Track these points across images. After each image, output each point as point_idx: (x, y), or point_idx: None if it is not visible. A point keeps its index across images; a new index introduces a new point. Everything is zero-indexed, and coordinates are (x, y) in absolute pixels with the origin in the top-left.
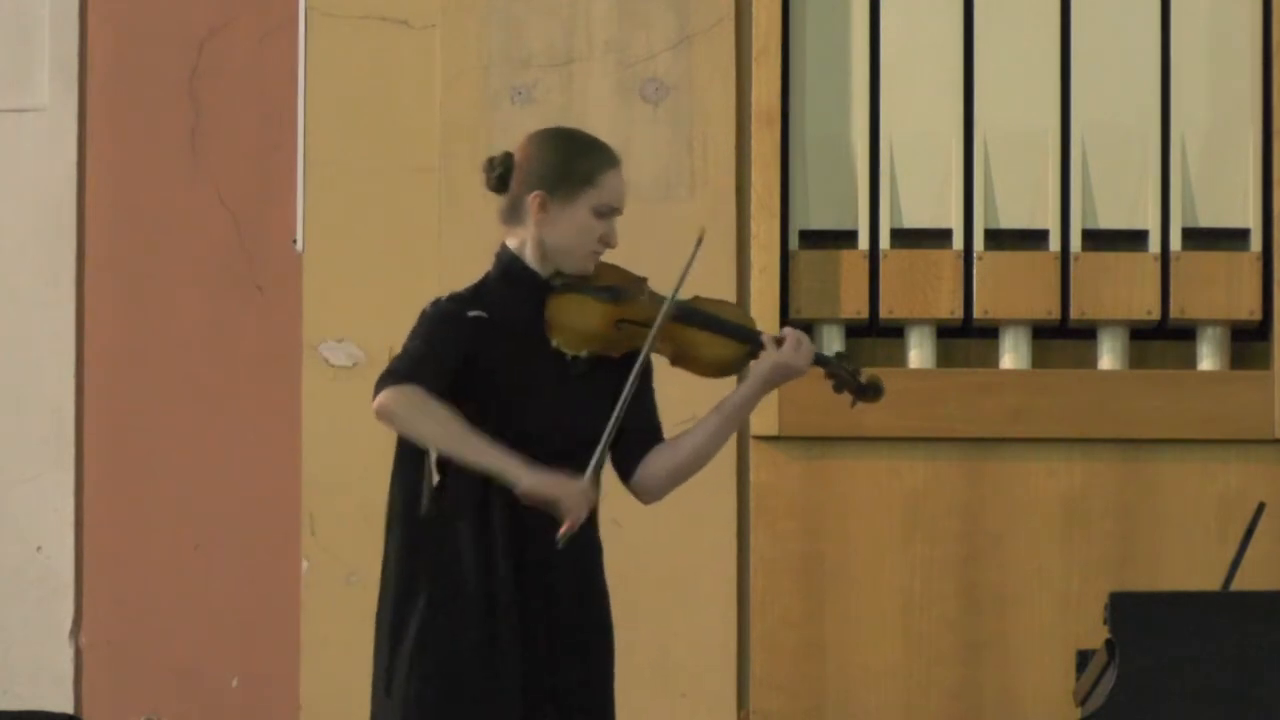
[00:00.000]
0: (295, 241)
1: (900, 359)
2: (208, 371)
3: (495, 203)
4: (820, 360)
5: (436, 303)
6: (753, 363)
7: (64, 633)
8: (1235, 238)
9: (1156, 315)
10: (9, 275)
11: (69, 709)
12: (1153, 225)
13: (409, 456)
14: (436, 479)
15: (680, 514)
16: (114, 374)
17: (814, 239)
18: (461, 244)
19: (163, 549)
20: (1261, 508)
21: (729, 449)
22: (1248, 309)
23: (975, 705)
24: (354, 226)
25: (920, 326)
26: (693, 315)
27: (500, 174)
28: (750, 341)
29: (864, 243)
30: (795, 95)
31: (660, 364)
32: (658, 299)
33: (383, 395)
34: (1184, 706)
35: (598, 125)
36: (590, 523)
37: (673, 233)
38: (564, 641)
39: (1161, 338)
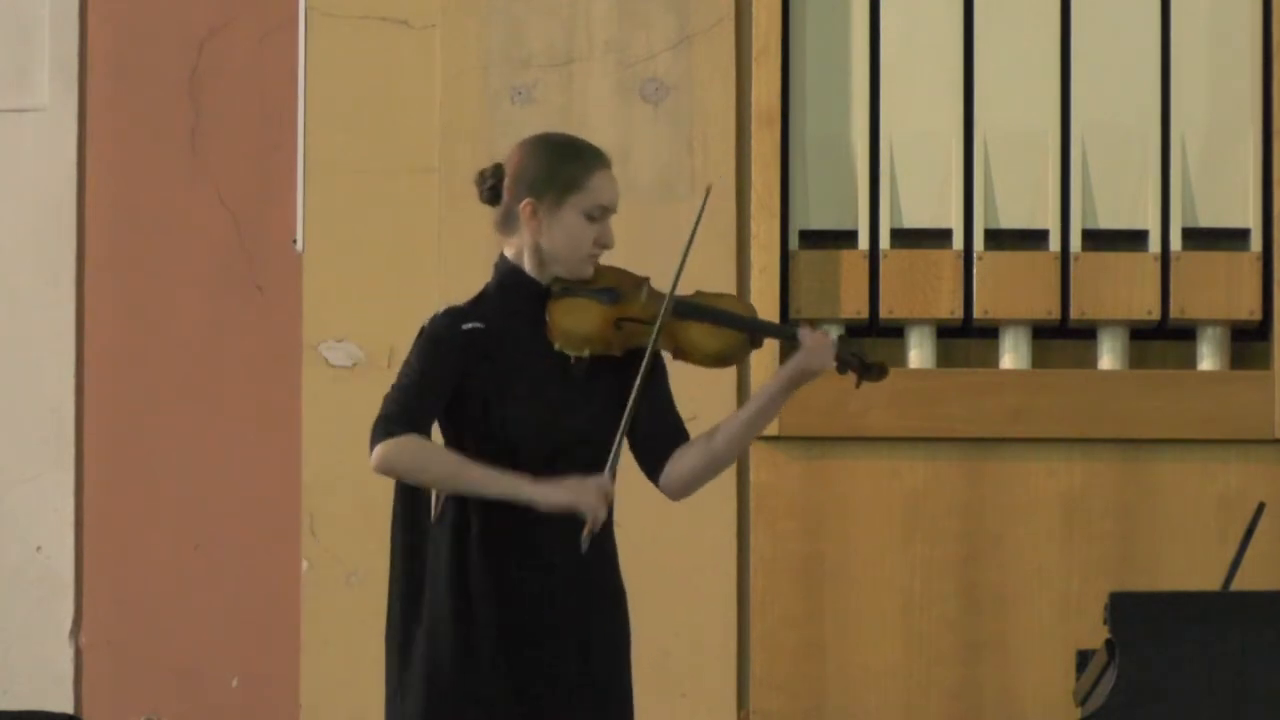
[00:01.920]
0: (295, 241)
1: (900, 359)
2: (208, 371)
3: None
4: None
5: (434, 319)
6: (783, 362)
7: (64, 633)
8: (1235, 238)
9: (1156, 315)
10: (9, 275)
11: (69, 709)
12: (1153, 225)
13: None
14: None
15: (680, 514)
16: (114, 374)
17: (814, 239)
18: (461, 244)
19: (163, 549)
20: (1261, 508)
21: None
22: (1248, 309)
23: (975, 705)
24: (354, 226)
25: (920, 326)
26: (690, 309)
27: (491, 185)
28: (749, 329)
29: (864, 243)
30: (795, 95)
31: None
32: (657, 296)
33: (379, 451)
34: (1184, 706)
35: (598, 125)
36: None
37: (673, 233)
38: (573, 656)
39: (1161, 338)
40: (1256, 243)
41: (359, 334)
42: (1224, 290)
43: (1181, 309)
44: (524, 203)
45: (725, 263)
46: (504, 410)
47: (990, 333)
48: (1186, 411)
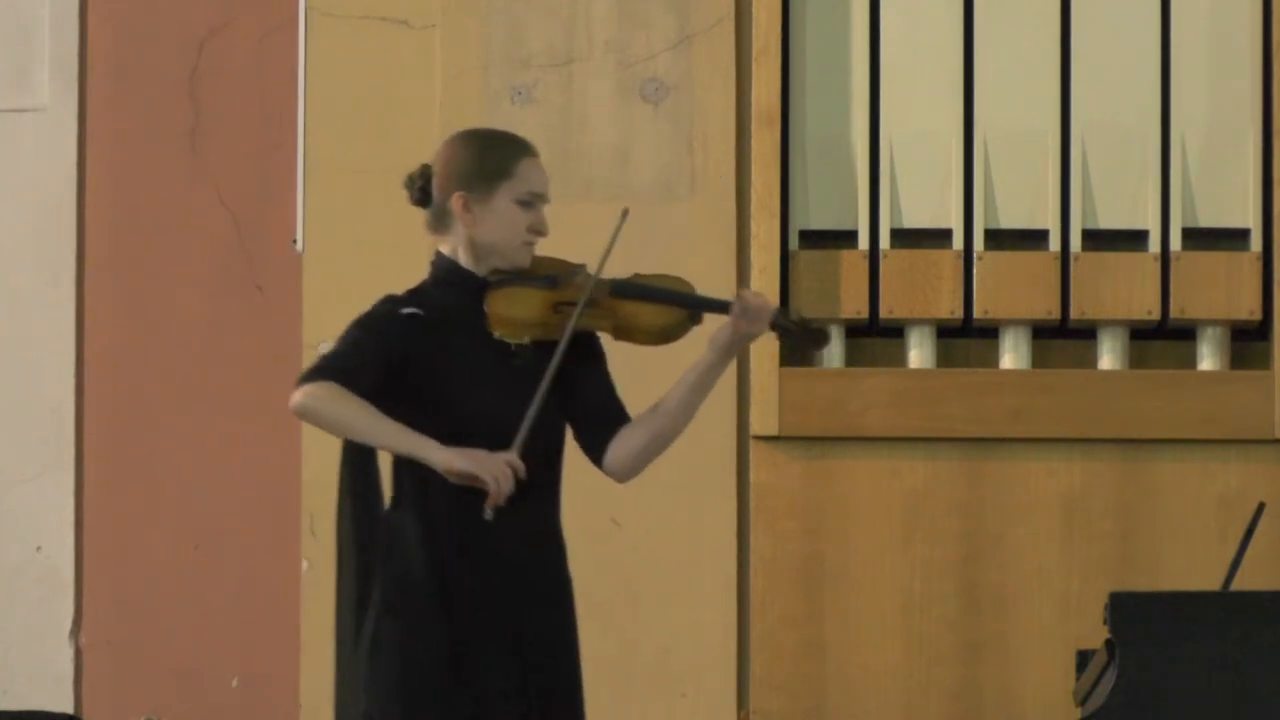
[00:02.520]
0: (295, 241)
1: (900, 359)
2: (208, 371)
3: None
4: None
5: (374, 305)
6: (714, 332)
7: (64, 633)
8: (1235, 238)
9: (1156, 315)
10: (9, 275)
11: (69, 709)
12: (1153, 225)
13: (353, 457)
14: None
15: (680, 514)
16: (114, 374)
17: (814, 239)
18: None
19: (163, 549)
20: (1261, 508)
21: (729, 449)
22: (1248, 309)
23: (975, 705)
24: (354, 226)
25: (920, 326)
26: (628, 288)
27: (421, 186)
28: (689, 305)
29: (864, 243)
30: (795, 95)
31: (616, 351)
32: (593, 279)
33: (298, 394)
34: (1184, 706)
35: (598, 125)
36: (548, 515)
37: (673, 233)
38: (525, 637)
39: (1161, 338)
40: (1256, 243)
41: None
42: (1224, 290)
43: (1181, 309)
44: (455, 196)
45: (725, 263)
46: (448, 402)
47: (990, 333)
48: (1186, 411)
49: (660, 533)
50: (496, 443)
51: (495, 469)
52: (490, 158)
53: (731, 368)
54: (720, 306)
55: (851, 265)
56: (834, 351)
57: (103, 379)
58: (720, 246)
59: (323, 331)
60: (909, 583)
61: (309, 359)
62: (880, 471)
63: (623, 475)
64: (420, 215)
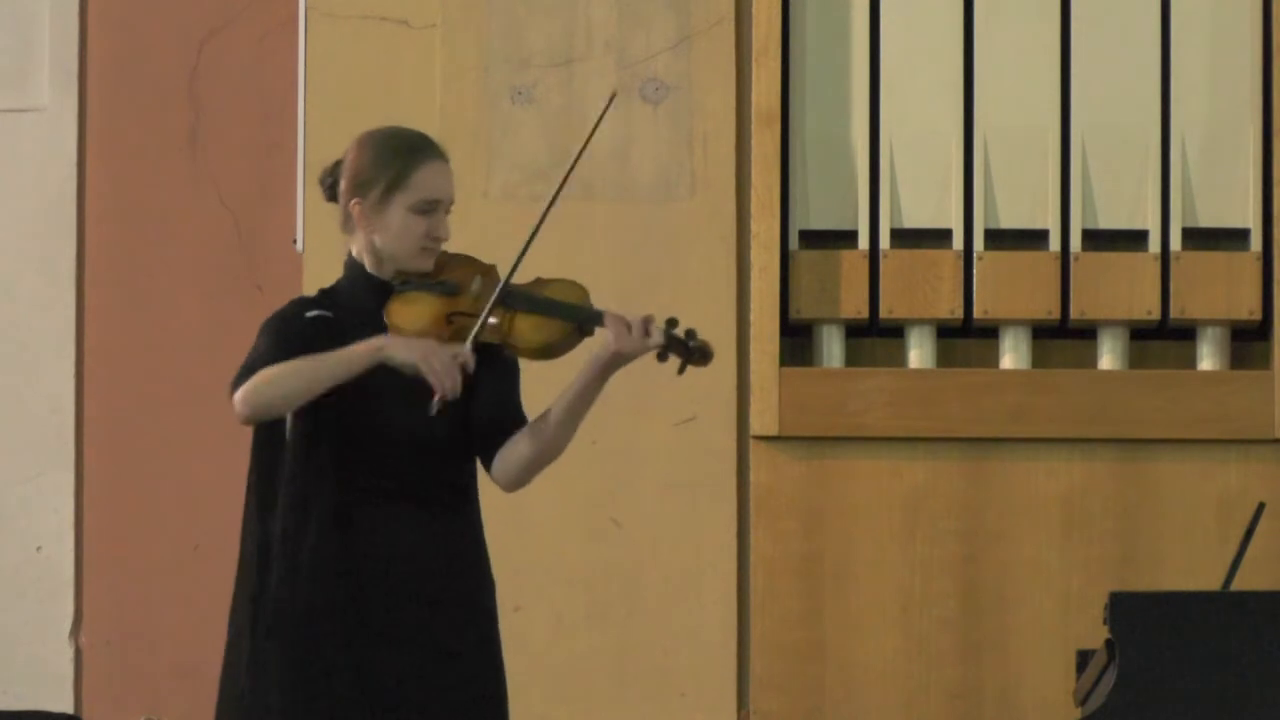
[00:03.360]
0: (295, 241)
1: (900, 359)
2: (208, 371)
3: (496, 203)
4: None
5: (282, 307)
6: (594, 352)
7: (64, 633)
8: (1235, 238)
9: (1156, 315)
10: (9, 275)
11: (69, 709)
12: (1153, 225)
13: (262, 439)
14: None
15: (680, 514)
16: (114, 374)
17: (814, 239)
18: (460, 245)
19: (163, 549)
20: (1261, 508)
21: (729, 449)
22: (1248, 309)
23: (975, 705)
24: None
25: (920, 326)
26: (518, 299)
27: (330, 184)
28: (578, 319)
29: (864, 243)
30: (795, 95)
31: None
32: (489, 287)
33: (238, 395)
34: (1184, 706)
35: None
36: (464, 512)
37: (673, 233)
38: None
39: (1161, 338)
40: (1256, 243)
41: None
42: (1224, 290)
43: (1181, 309)
44: (352, 203)
45: (725, 263)
46: (347, 408)
47: (990, 333)
48: (1186, 411)
49: (660, 533)
50: (393, 450)
51: (442, 362)
52: (385, 166)
53: (731, 367)
54: (602, 320)
55: (851, 265)
56: (834, 351)
57: (103, 379)
58: (720, 246)
59: None
60: (909, 583)
61: None
62: (880, 471)
63: (508, 486)
64: None
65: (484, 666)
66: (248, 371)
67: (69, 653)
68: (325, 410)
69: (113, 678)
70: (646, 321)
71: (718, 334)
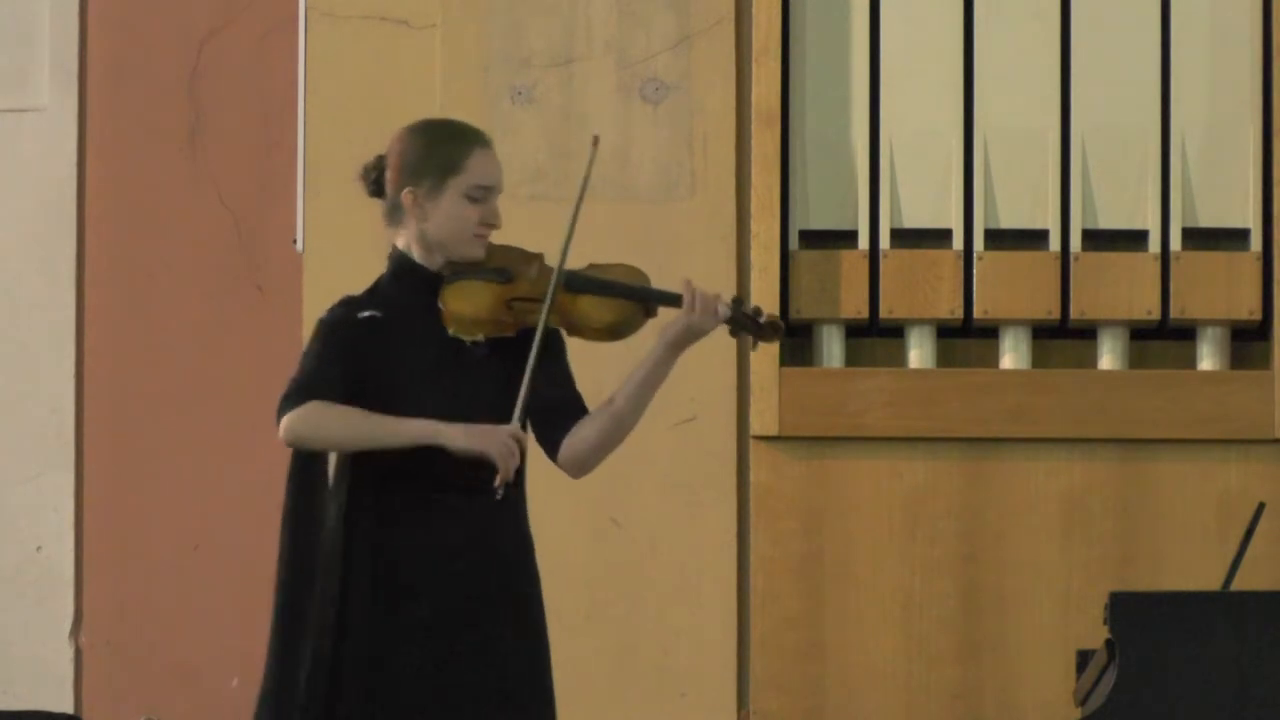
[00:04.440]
0: (295, 241)
1: (900, 359)
2: (208, 371)
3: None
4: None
5: (330, 309)
6: (663, 326)
7: (64, 633)
8: (1235, 238)
9: (1156, 315)
10: (9, 275)
11: (69, 709)
12: (1153, 225)
13: (298, 478)
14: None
15: (680, 514)
16: (114, 374)
17: (814, 239)
18: None
19: (163, 549)
20: (1261, 508)
21: (729, 449)
22: (1248, 309)
23: (975, 705)
24: (354, 226)
25: (920, 326)
26: (578, 282)
27: (375, 178)
28: (641, 298)
29: (864, 243)
30: (795, 95)
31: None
32: (548, 272)
33: (284, 424)
34: (1184, 706)
35: (598, 125)
36: (508, 507)
37: (673, 233)
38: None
39: (1161, 338)
40: (1256, 243)
41: None
42: (1224, 290)
43: (1181, 309)
44: (405, 191)
45: (725, 263)
46: (402, 401)
47: (990, 333)
48: (1186, 411)
49: (660, 533)
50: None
51: (504, 446)
52: (438, 152)
53: (731, 367)
54: (672, 299)
55: (851, 265)
56: (834, 351)
57: (103, 379)
58: (720, 246)
59: None
60: (909, 582)
61: None
62: (880, 471)
63: (576, 471)
64: None
65: (529, 659)
66: (299, 392)
67: (69, 653)
68: (376, 408)
69: (113, 678)
70: (715, 297)
71: (717, 334)
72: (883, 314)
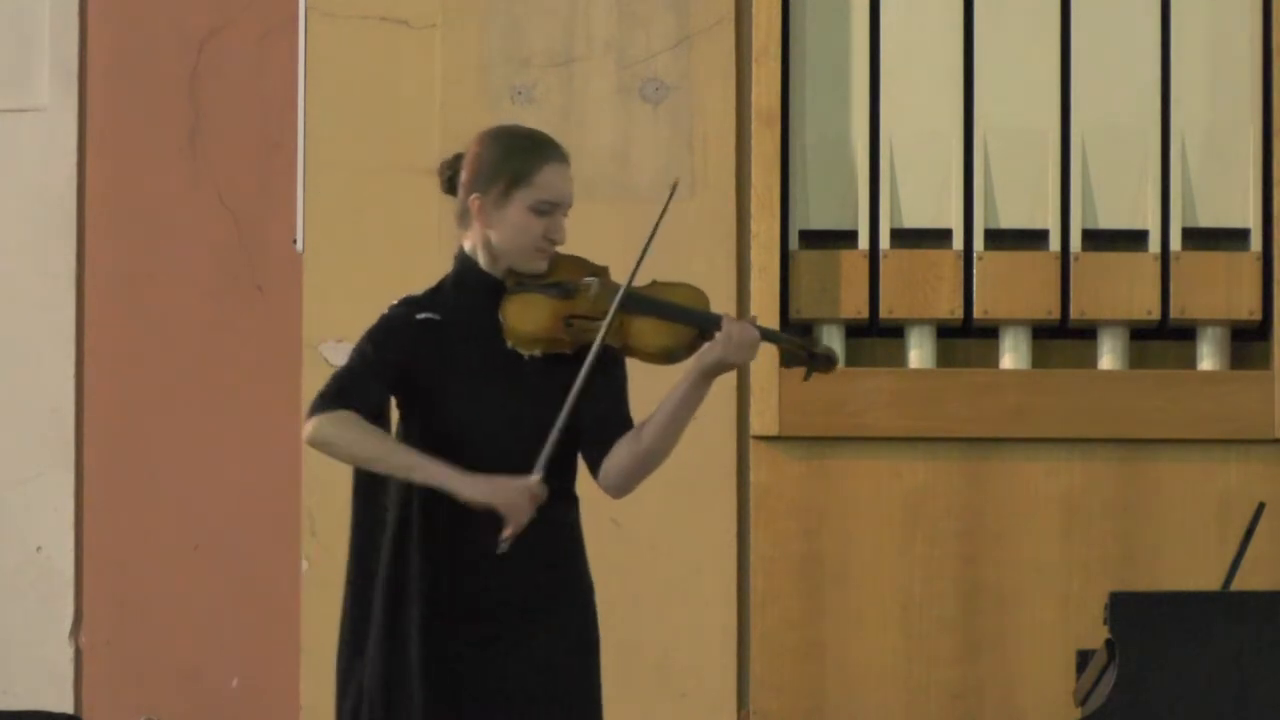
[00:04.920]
0: (295, 241)
1: (900, 359)
2: (208, 371)
3: None
4: (769, 337)
5: (391, 307)
6: (698, 352)
7: (64, 633)
8: (1235, 238)
9: (1156, 315)
10: (9, 275)
11: (69, 709)
12: (1153, 225)
13: (362, 488)
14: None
15: (680, 514)
16: (114, 374)
17: (814, 239)
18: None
19: (163, 549)
20: (1261, 508)
21: (729, 449)
22: (1248, 309)
23: (975, 705)
24: (354, 226)
25: (920, 326)
26: (639, 303)
27: (450, 176)
28: (699, 324)
29: (864, 243)
30: (795, 95)
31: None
32: (610, 290)
33: (311, 423)
34: (1184, 706)
35: (598, 125)
36: (559, 514)
37: (673, 233)
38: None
39: (1161, 338)
40: (1256, 243)
41: (359, 334)
42: (1224, 290)
43: (1181, 309)
44: (473, 197)
45: (725, 263)
46: (453, 405)
47: (990, 333)
48: (1186, 411)
49: (660, 533)
50: (494, 451)
51: (514, 501)
52: (510, 162)
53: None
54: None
55: (851, 265)
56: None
57: (103, 379)
58: (720, 246)
59: (323, 331)
60: (909, 583)
61: (309, 359)
62: (880, 471)
63: (614, 493)
64: (422, 216)
65: (580, 672)
66: (338, 396)
67: (69, 653)
68: (434, 421)
69: (113, 678)
70: (749, 329)
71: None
72: (883, 314)
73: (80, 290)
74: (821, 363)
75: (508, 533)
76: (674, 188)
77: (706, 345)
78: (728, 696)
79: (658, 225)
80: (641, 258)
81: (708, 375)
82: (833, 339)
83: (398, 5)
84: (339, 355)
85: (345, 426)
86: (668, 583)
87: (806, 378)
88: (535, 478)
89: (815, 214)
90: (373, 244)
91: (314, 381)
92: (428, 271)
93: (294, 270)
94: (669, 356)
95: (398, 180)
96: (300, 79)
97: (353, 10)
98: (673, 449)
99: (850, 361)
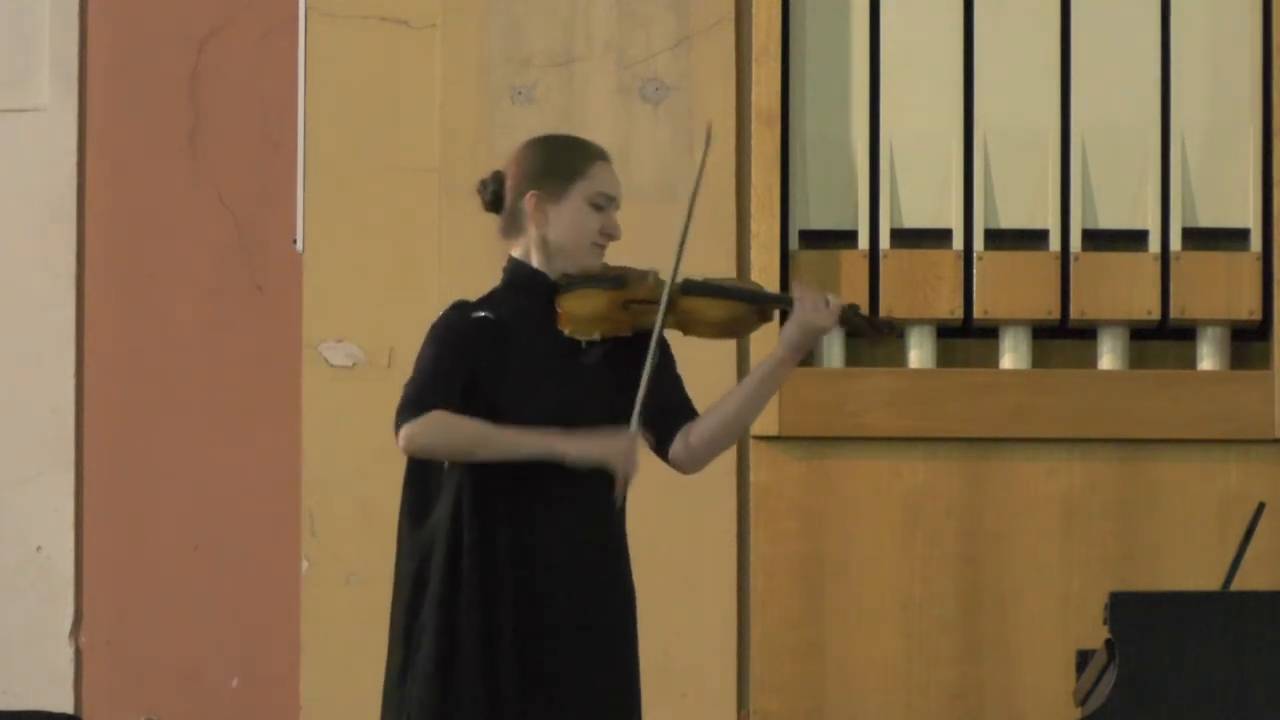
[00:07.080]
0: (295, 241)
1: (900, 359)
2: (208, 371)
3: None
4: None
5: (444, 312)
6: (782, 326)
7: (64, 633)
8: (1235, 238)
9: (1156, 315)
10: (9, 275)
11: (69, 709)
12: (1153, 225)
13: (419, 462)
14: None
15: (680, 514)
16: (114, 374)
17: (814, 239)
18: (461, 244)
19: (163, 549)
20: (1261, 508)
21: (729, 449)
22: (1248, 309)
23: (975, 705)
24: (354, 226)
25: (920, 326)
26: (696, 284)
27: (494, 190)
28: (754, 300)
29: (864, 243)
30: (795, 95)
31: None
32: (669, 278)
33: (404, 433)
34: (1184, 706)
35: (598, 125)
36: (614, 521)
37: (673, 232)
38: (574, 640)
39: (1161, 338)
40: (1256, 243)
41: (359, 334)
42: (1224, 290)
43: (1181, 309)
44: (528, 195)
45: (725, 262)
46: (514, 403)
47: (990, 333)
48: (1186, 411)
49: (660, 533)
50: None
51: (623, 450)
52: (564, 158)
53: (732, 366)
54: (785, 301)
55: (851, 265)
56: (834, 351)
57: (103, 379)
58: (720, 246)
59: (323, 331)
60: (909, 583)
61: (309, 359)
62: (880, 471)
63: (691, 466)
64: (422, 216)
65: (626, 668)
66: (418, 402)
67: (69, 653)
68: (494, 414)
69: (113, 678)
70: (824, 296)
71: None
72: (883, 314)
73: (80, 290)
74: (885, 329)
75: (619, 486)
76: (709, 133)
77: (791, 321)
78: (728, 697)
79: (699, 181)
80: (684, 234)
81: (794, 347)
82: (833, 339)
83: (398, 5)
84: (339, 355)
85: (438, 425)
86: (668, 582)
87: (873, 344)
88: (632, 432)
89: (815, 214)
90: (373, 244)
91: (314, 381)
92: (428, 271)
93: (294, 270)
94: (728, 329)
95: (398, 180)
96: (300, 79)
97: (353, 10)
98: (752, 423)
99: (850, 361)
